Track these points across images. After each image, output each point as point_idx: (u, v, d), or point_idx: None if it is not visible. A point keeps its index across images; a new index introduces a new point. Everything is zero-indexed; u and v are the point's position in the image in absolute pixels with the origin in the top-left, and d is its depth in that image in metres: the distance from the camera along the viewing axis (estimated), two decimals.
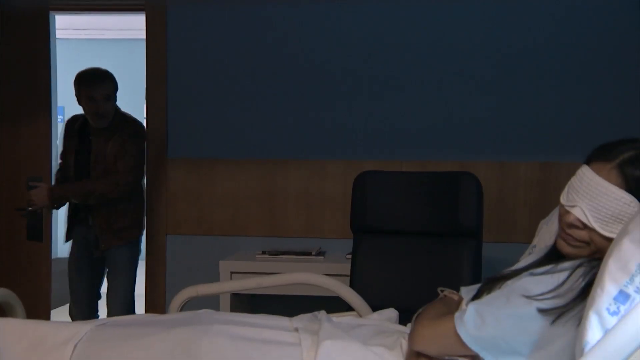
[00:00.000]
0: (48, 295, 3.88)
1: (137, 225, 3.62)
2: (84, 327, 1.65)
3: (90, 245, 3.56)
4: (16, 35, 3.82)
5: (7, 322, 1.66)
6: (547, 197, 3.53)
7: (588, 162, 1.52)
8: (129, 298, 3.59)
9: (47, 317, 3.82)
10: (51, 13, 4.00)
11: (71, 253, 3.68)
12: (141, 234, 3.66)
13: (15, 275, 3.82)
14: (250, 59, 3.77)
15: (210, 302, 3.28)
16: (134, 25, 6.13)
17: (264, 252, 3.52)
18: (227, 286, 2.69)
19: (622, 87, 3.50)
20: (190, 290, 2.21)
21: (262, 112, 3.77)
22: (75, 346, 1.59)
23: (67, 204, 3.66)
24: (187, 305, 2.18)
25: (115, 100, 3.57)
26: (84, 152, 3.52)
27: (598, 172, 1.47)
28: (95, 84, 3.49)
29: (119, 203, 3.50)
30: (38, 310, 3.72)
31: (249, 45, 3.77)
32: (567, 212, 1.52)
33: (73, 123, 3.63)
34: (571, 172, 1.57)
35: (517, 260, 1.79)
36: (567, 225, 1.52)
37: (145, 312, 3.70)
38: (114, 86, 3.56)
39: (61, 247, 6.21)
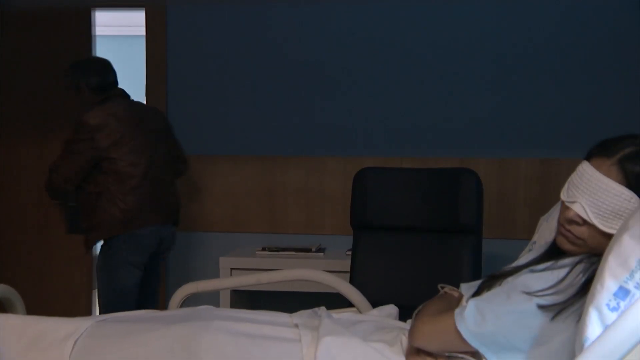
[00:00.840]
0: (90, 286, 4.04)
1: (100, 228, 3.18)
2: (84, 323, 1.65)
3: None
4: (59, 32, 3.92)
5: (7, 318, 1.66)
6: (547, 193, 3.54)
7: (588, 158, 1.52)
8: (102, 305, 3.27)
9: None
10: None
11: None
12: (113, 234, 3.17)
13: (56, 267, 4.00)
14: (250, 55, 3.77)
15: (211, 298, 3.29)
16: (133, 21, 6.12)
17: (264, 249, 3.52)
18: (227, 282, 2.69)
19: (622, 84, 3.50)
20: (191, 286, 2.21)
21: (262, 109, 3.77)
22: (75, 342, 1.59)
23: None
24: (187, 302, 2.18)
25: (83, 92, 3.26)
26: None
27: (598, 168, 1.47)
28: None
29: (72, 202, 3.29)
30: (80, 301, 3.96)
31: (248, 42, 3.77)
32: (567, 208, 1.52)
33: None
34: (571, 169, 1.57)
35: (517, 257, 1.80)
36: (567, 221, 1.52)
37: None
38: (73, 77, 3.27)
39: None
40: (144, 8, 3.85)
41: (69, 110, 3.75)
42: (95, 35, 3.98)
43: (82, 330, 1.62)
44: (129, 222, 3.18)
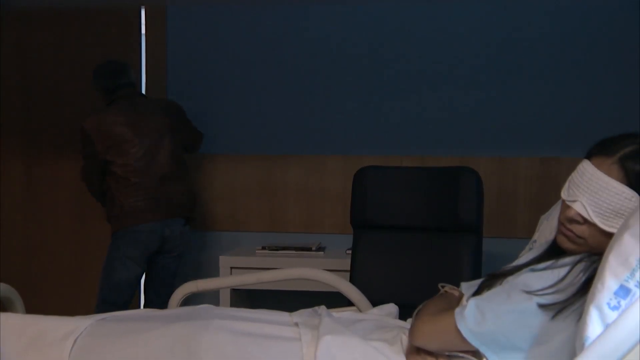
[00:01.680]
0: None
1: (111, 220, 3.38)
2: (84, 322, 1.65)
3: None
4: (107, 31, 3.92)
5: (7, 317, 1.66)
6: (547, 192, 3.54)
7: (589, 157, 1.52)
8: (97, 296, 3.40)
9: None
10: None
11: None
12: (114, 230, 3.36)
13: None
14: (250, 55, 3.77)
15: (210, 297, 3.29)
16: None
17: (264, 248, 3.52)
18: (227, 281, 2.69)
19: (622, 83, 3.50)
20: (190, 285, 2.21)
21: (262, 108, 3.77)
22: (75, 341, 1.59)
23: None
24: (187, 300, 2.18)
25: (102, 94, 3.44)
26: None
27: (599, 167, 1.47)
28: None
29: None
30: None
31: (248, 42, 3.77)
32: (568, 207, 1.52)
33: None
34: (571, 168, 1.57)
35: (517, 256, 1.80)
36: (567, 220, 1.52)
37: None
38: (92, 81, 3.47)
39: None
40: (144, 8, 3.85)
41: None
42: (144, 34, 3.95)
43: (82, 329, 1.61)
44: (124, 220, 3.32)
